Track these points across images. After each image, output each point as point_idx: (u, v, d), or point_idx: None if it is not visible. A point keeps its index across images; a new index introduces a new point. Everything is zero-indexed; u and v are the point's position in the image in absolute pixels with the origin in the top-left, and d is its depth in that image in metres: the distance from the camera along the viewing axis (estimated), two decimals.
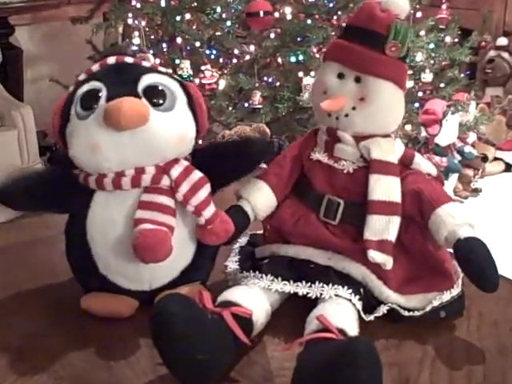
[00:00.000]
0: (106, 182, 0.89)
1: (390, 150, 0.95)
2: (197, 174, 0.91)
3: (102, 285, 0.92)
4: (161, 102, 0.90)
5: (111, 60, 0.95)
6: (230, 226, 0.92)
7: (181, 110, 0.92)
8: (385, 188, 0.92)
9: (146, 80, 0.91)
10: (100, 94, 0.89)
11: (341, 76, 0.95)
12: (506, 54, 3.70)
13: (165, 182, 0.90)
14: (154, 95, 0.90)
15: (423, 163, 0.98)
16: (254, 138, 1.03)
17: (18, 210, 1.01)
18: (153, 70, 0.95)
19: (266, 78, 2.73)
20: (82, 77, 0.95)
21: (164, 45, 2.84)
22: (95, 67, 0.95)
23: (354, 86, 0.94)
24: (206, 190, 0.91)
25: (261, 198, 0.99)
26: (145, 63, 0.96)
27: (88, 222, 0.91)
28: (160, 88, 0.91)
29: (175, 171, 0.90)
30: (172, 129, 0.90)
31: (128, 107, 0.85)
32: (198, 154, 0.96)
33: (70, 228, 0.95)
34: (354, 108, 0.94)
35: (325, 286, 0.90)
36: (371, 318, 0.90)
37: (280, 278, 0.92)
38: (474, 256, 0.87)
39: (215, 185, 0.93)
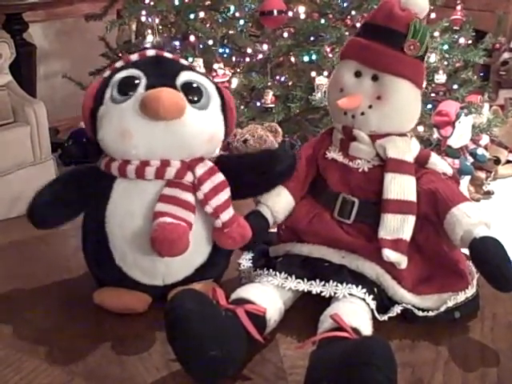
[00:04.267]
0: (129, 170, 0.90)
1: (406, 149, 0.95)
2: (220, 177, 0.92)
3: (116, 277, 0.92)
4: (196, 99, 0.91)
5: (151, 52, 0.96)
6: (247, 231, 0.92)
7: (214, 110, 0.93)
8: (400, 187, 0.92)
9: (185, 76, 0.92)
10: (138, 82, 0.90)
11: (358, 74, 0.95)
12: None
13: (188, 178, 0.90)
14: (191, 92, 0.91)
15: (439, 163, 0.98)
16: (280, 154, 1.02)
17: (52, 225, 0.97)
18: (191, 68, 0.96)
19: (278, 77, 2.73)
20: (119, 64, 0.95)
21: (177, 43, 2.84)
22: (134, 57, 0.96)
23: (371, 84, 0.94)
24: (227, 193, 0.91)
25: (280, 203, 0.99)
26: (183, 61, 0.97)
27: (107, 213, 0.91)
28: (197, 86, 0.92)
29: (200, 169, 0.90)
30: (204, 127, 0.91)
31: (167, 98, 0.86)
32: (222, 161, 0.96)
33: (87, 219, 0.95)
34: (370, 106, 0.94)
35: (339, 284, 0.89)
36: (385, 317, 0.89)
37: (294, 277, 0.92)
38: (490, 255, 0.86)
39: (233, 195, 0.92)
